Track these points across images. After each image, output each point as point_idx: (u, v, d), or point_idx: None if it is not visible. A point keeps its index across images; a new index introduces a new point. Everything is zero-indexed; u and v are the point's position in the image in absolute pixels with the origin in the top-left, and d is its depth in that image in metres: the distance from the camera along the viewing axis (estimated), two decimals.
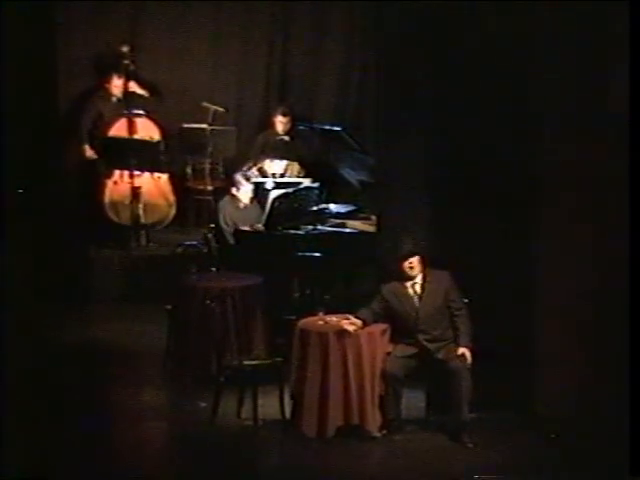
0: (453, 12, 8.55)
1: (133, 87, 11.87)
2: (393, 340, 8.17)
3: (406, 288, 8.18)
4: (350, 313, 8.27)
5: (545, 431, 7.97)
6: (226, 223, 10.44)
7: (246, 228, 10.24)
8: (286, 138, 11.77)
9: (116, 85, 11.76)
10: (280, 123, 11.77)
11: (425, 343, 8.07)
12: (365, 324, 8.11)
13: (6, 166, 9.63)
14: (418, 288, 8.17)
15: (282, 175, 11.35)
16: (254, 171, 11.24)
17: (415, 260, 8.12)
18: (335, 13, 12.38)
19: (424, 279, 8.17)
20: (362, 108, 12.16)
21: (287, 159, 11.47)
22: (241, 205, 10.51)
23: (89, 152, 11.57)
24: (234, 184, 10.61)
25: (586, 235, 7.92)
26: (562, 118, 7.94)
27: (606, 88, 7.65)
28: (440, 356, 8.06)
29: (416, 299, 8.16)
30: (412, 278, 8.15)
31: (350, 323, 8.05)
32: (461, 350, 8.00)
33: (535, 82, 8.08)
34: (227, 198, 10.65)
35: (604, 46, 7.64)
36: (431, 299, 8.14)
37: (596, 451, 7.46)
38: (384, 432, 8.09)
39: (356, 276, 10.02)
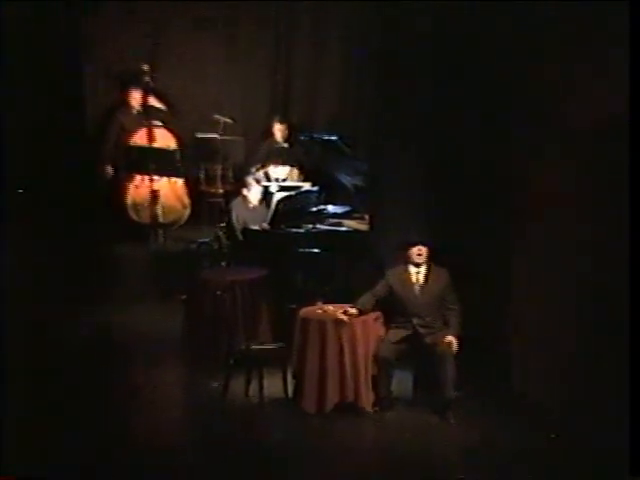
0: (445, 26, 8.45)
1: (152, 101, 11.90)
2: (388, 322, 8.18)
3: (410, 275, 8.18)
4: (346, 303, 8.29)
5: (519, 410, 7.89)
6: (237, 221, 10.50)
7: (255, 227, 10.26)
8: (285, 145, 11.78)
9: (135, 98, 11.77)
10: (278, 131, 11.76)
11: (418, 327, 8.10)
12: (363, 312, 8.13)
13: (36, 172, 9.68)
14: (421, 277, 8.17)
15: (284, 180, 11.39)
16: (261, 174, 11.29)
17: (424, 249, 8.14)
18: (334, 33, 12.35)
19: (428, 270, 8.17)
20: (357, 120, 12.16)
21: (287, 164, 11.50)
22: (251, 206, 10.56)
23: (110, 170, 11.62)
24: (245, 185, 10.70)
25: (570, 230, 7.61)
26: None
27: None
28: (429, 341, 8.07)
29: (418, 287, 8.17)
30: (418, 266, 8.15)
31: (344, 312, 8.08)
32: (449, 338, 7.99)
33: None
34: (239, 199, 10.70)
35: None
36: (431, 289, 8.14)
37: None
38: (376, 409, 8.11)
39: (351, 269, 10.03)
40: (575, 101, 7.45)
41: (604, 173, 7.23)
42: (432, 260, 8.19)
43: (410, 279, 8.18)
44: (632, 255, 6.61)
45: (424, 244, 8.12)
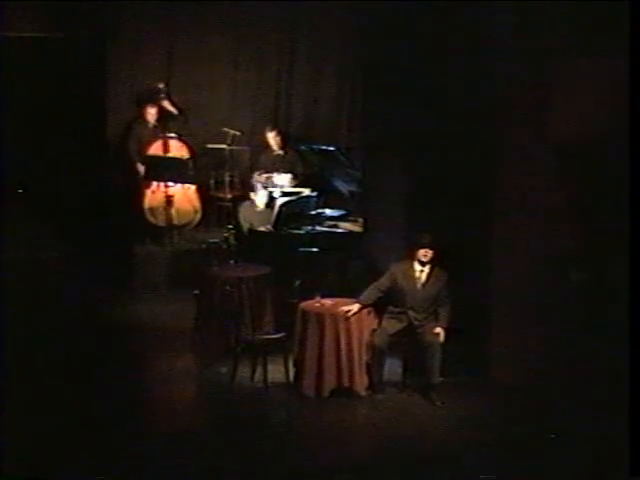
0: (436, 31, 8.24)
1: (166, 105, 11.82)
2: (384, 313, 8.10)
3: (415, 271, 8.07)
4: (342, 297, 8.26)
5: (497, 393, 7.83)
6: (244, 223, 10.46)
7: (262, 228, 10.21)
8: (281, 153, 11.70)
9: (151, 114, 11.72)
10: (272, 139, 11.66)
11: (413, 319, 8.02)
12: (365, 306, 8.05)
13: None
14: (424, 275, 8.07)
15: (282, 185, 11.29)
16: (264, 180, 11.20)
17: (430, 252, 8.02)
18: (330, 52, 12.30)
19: (431, 270, 8.07)
20: (352, 131, 12.09)
21: (283, 171, 11.39)
22: (257, 209, 10.53)
23: (141, 167, 11.52)
24: (253, 190, 10.62)
25: (553, 227, 7.46)
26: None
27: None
28: (420, 331, 8.01)
29: (420, 283, 8.07)
30: (422, 264, 8.04)
31: (347, 310, 8.01)
32: (438, 329, 7.95)
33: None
34: (247, 202, 10.68)
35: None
36: (431, 288, 8.05)
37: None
38: (369, 392, 8.06)
39: (346, 267, 9.98)
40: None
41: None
42: (435, 262, 8.07)
43: (414, 275, 8.08)
44: (625, 250, 6.36)
45: (431, 248, 8.00)
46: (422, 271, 8.09)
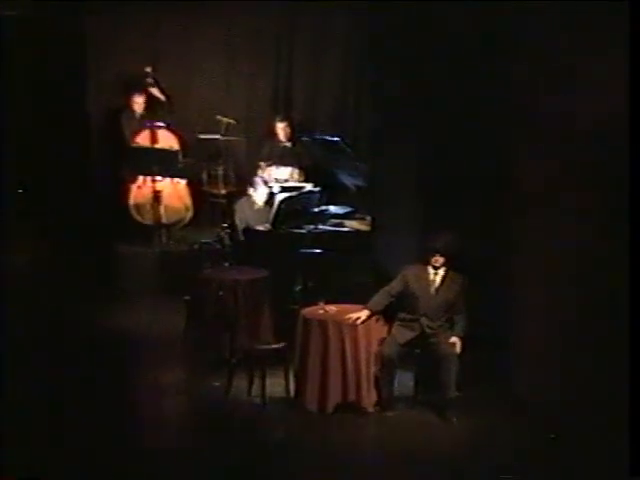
0: (444, 22, 8.38)
1: (154, 92, 11.90)
2: (394, 320, 8.14)
3: (428, 275, 8.12)
4: (347, 303, 8.31)
5: (518, 409, 7.84)
6: (240, 220, 10.49)
7: (260, 227, 10.26)
8: (288, 145, 11.78)
9: (138, 103, 11.81)
10: (281, 130, 11.78)
11: (425, 327, 8.05)
12: (375, 312, 8.10)
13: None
14: (439, 279, 8.11)
15: (286, 180, 11.37)
16: (266, 175, 11.28)
17: (441, 259, 8.07)
18: (334, 35, 12.37)
19: (446, 273, 8.11)
20: (358, 120, 12.16)
21: (290, 164, 11.48)
22: (256, 207, 10.57)
23: (129, 157, 11.57)
24: (252, 185, 10.68)
25: (570, 228, 7.57)
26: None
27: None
28: (433, 340, 8.03)
29: (434, 288, 8.11)
30: (436, 268, 8.10)
31: (356, 319, 8.05)
32: (453, 339, 7.97)
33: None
34: (244, 199, 10.72)
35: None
36: (445, 292, 8.09)
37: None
38: (378, 408, 8.07)
39: (352, 270, 10.01)
40: (575, 100, 7.41)
41: (604, 173, 7.20)
42: (449, 266, 8.12)
43: (427, 278, 8.13)
44: (632, 255, 6.57)
45: (442, 254, 8.05)
46: (436, 274, 8.13)
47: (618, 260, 6.80)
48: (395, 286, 8.18)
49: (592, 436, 7.14)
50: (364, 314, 8.09)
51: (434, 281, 8.14)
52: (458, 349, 7.97)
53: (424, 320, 8.07)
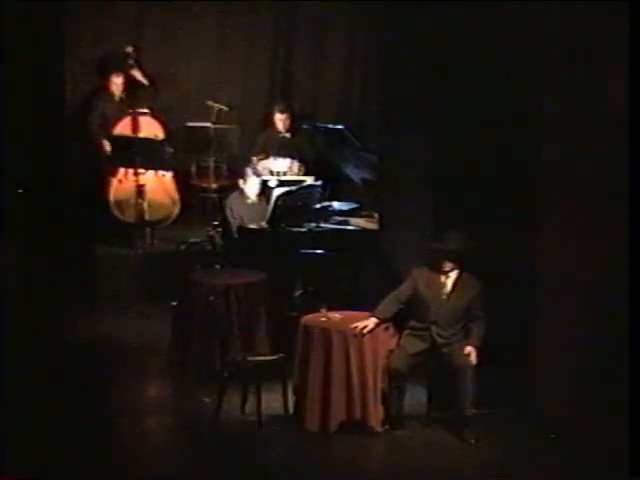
0: (453, 12, 8.46)
1: (136, 74, 11.85)
2: (401, 327, 8.13)
3: (439, 278, 8.10)
4: (353, 310, 8.30)
5: (545, 427, 7.90)
6: (232, 218, 10.48)
7: (255, 225, 10.25)
8: (287, 135, 11.80)
9: (116, 84, 11.75)
10: (280, 121, 11.82)
11: (436, 337, 8.02)
12: (383, 320, 8.07)
13: (7, 166, 9.64)
14: (450, 283, 8.09)
15: (284, 173, 11.34)
16: (261, 167, 11.25)
17: (450, 265, 8.04)
18: (337, 14, 12.37)
19: (458, 277, 8.10)
20: (365, 106, 12.15)
21: (289, 156, 11.48)
22: (249, 201, 10.58)
23: (108, 147, 11.51)
24: (243, 177, 10.65)
25: (586, 234, 7.81)
26: (562, 118, 7.87)
27: (606, 88, 7.52)
28: (446, 351, 8.01)
29: (445, 292, 8.09)
30: (447, 272, 8.09)
31: (362, 328, 8.00)
32: (468, 349, 7.94)
33: (535, 82, 8.01)
34: (236, 193, 10.75)
35: (604, 45, 7.50)
36: (458, 298, 8.06)
37: (596, 451, 7.34)
38: (386, 427, 8.06)
39: (359, 273, 10.00)
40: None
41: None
42: (463, 268, 8.10)
43: (439, 281, 8.11)
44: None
45: (452, 260, 8.03)
46: (448, 277, 8.11)
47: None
48: (404, 290, 8.16)
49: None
50: (371, 322, 8.06)
51: (445, 285, 8.12)
52: (474, 360, 7.93)
53: (434, 329, 8.06)
